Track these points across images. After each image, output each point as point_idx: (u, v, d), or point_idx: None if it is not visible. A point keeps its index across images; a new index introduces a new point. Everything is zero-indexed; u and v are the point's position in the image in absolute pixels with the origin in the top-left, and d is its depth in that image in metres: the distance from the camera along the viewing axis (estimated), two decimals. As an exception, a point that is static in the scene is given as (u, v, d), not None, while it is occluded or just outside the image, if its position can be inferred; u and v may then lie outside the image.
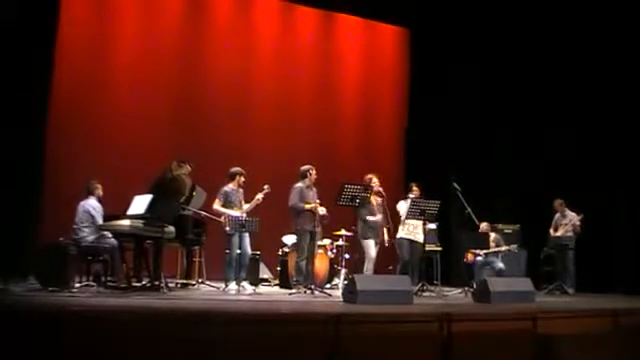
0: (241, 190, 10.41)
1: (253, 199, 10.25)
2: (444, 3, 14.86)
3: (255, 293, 9.84)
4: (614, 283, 12.43)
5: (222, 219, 9.98)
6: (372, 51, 16.00)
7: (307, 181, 10.30)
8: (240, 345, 5.23)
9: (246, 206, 10.29)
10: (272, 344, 5.37)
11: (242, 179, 10.37)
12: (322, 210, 10.26)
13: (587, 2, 13.49)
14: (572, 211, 12.28)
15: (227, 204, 10.17)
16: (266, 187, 10.21)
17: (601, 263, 12.76)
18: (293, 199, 10.18)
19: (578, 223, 12.15)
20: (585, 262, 12.19)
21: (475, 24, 14.78)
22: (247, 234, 10.07)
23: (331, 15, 15.49)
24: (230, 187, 10.31)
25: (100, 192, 9.49)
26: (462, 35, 14.89)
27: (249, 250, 10.18)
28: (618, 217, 13.25)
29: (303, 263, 10.10)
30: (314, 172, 10.38)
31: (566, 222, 12.23)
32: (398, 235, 10.85)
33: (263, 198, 10.25)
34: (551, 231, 12.47)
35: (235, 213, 10.01)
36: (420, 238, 10.71)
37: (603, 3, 13.31)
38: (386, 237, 10.65)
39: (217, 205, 10.19)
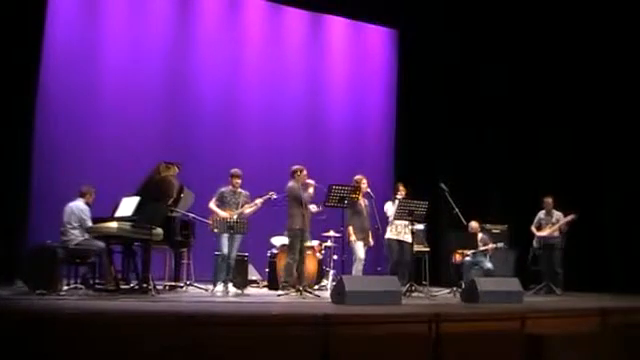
0: (240, 191, 10.33)
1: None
2: (431, 3, 14.88)
3: (242, 294, 9.83)
4: (602, 282, 12.44)
5: (209, 220, 9.96)
6: (360, 52, 16.02)
7: (298, 180, 10.29)
8: (229, 347, 5.22)
9: (248, 210, 10.26)
10: (261, 346, 5.37)
11: (235, 180, 10.29)
12: (313, 207, 10.28)
13: (574, 3, 13.58)
14: (562, 210, 12.24)
15: (222, 204, 10.15)
16: (271, 193, 10.18)
17: (589, 262, 12.81)
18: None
19: (564, 223, 12.10)
20: (573, 261, 12.21)
21: (462, 23, 14.84)
22: (239, 236, 10.04)
23: (319, 17, 15.50)
24: (227, 188, 10.28)
25: (91, 198, 9.43)
26: (450, 34, 14.94)
27: (235, 252, 10.14)
28: (606, 216, 13.31)
29: (295, 264, 10.08)
30: (303, 173, 10.38)
31: (553, 221, 12.19)
32: (386, 236, 10.87)
33: (263, 203, 10.24)
34: (533, 229, 12.35)
35: (224, 214, 9.98)
36: (408, 238, 10.74)
37: (592, 5, 13.40)
38: (370, 239, 10.65)
39: (211, 204, 10.18)
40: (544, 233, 12.17)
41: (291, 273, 10.02)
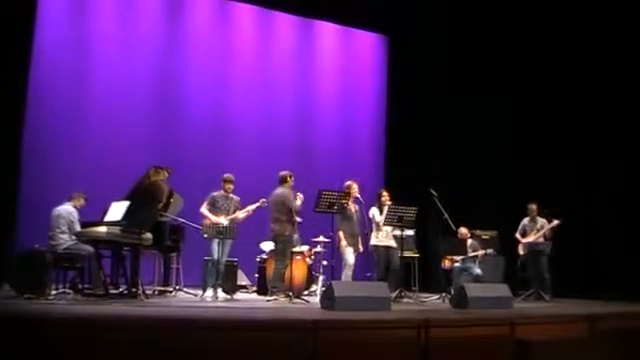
0: (232, 197, 10.32)
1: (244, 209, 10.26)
2: (422, 9, 14.92)
3: (232, 299, 9.82)
4: (591, 288, 12.45)
5: (201, 225, 9.96)
6: (350, 58, 16.05)
7: (287, 186, 10.28)
8: (218, 352, 5.22)
9: (240, 216, 10.23)
10: (250, 351, 5.36)
11: (227, 186, 10.28)
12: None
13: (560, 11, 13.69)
14: (547, 216, 12.27)
15: (213, 209, 10.13)
16: (262, 201, 10.17)
17: (578, 268, 12.84)
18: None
19: (549, 229, 12.14)
20: (562, 268, 12.22)
21: (453, 30, 14.89)
22: (229, 241, 10.01)
23: (309, 22, 15.52)
24: (219, 193, 10.26)
25: (79, 202, 9.36)
26: (440, 40, 14.99)
27: (225, 257, 10.12)
28: (596, 222, 13.34)
29: (285, 270, 10.06)
30: (292, 178, 10.38)
31: (538, 227, 12.22)
32: (372, 242, 10.78)
33: (254, 211, 10.22)
34: (518, 236, 12.38)
35: (216, 219, 9.96)
36: (393, 244, 10.73)
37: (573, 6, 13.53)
38: (359, 245, 10.65)
39: (203, 208, 10.15)
40: (529, 240, 12.20)
41: (282, 279, 10.00)
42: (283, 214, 10.08)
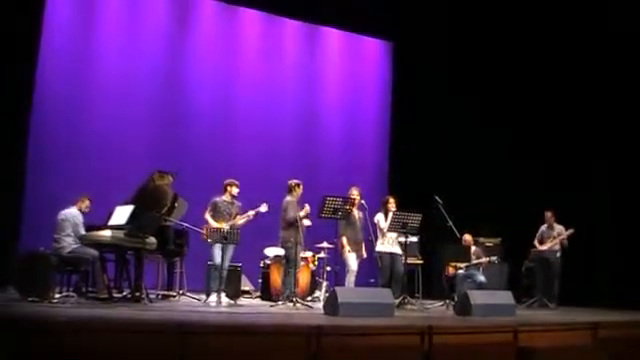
0: (236, 203, 10.34)
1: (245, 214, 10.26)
2: (427, 16, 14.95)
3: (235, 304, 9.81)
4: (595, 296, 12.43)
5: (203, 230, 9.94)
6: (356, 64, 16.06)
7: (294, 195, 10.31)
8: (222, 357, 5.22)
9: (240, 221, 10.23)
10: (253, 356, 5.36)
11: (233, 190, 10.27)
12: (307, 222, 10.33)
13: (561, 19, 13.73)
14: (561, 224, 12.26)
15: (215, 214, 10.13)
16: (263, 206, 10.18)
17: (582, 276, 12.81)
18: (290, 213, 10.18)
19: (565, 237, 12.13)
20: (566, 275, 12.20)
21: (457, 35, 14.91)
22: (231, 246, 9.99)
23: (315, 28, 15.54)
24: (221, 198, 10.25)
25: (84, 204, 9.33)
26: (445, 47, 15.01)
27: (227, 262, 10.10)
28: (599, 231, 13.31)
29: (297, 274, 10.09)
30: (300, 187, 10.42)
31: (554, 235, 12.20)
32: (377, 248, 10.76)
33: (254, 216, 10.22)
34: (536, 243, 12.40)
35: (217, 225, 9.94)
36: (398, 250, 10.72)
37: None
38: (362, 251, 10.65)
39: (206, 214, 10.15)
40: (545, 247, 12.20)
41: (295, 283, 10.01)
42: (286, 221, 10.13)
